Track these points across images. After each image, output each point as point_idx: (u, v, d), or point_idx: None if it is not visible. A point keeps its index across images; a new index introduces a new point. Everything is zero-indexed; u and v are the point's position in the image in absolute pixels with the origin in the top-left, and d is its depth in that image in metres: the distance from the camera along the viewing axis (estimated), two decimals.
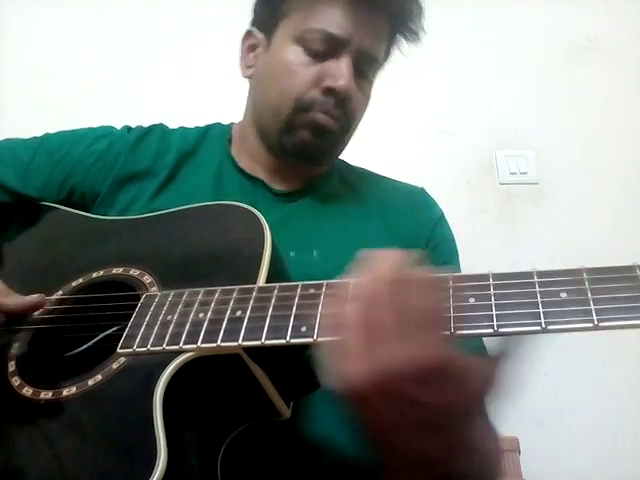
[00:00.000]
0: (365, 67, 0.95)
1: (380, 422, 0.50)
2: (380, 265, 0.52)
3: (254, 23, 1.02)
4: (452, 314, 0.50)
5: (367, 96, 0.99)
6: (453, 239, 1.03)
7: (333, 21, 0.90)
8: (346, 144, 1.01)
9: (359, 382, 0.49)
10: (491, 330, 0.48)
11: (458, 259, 1.01)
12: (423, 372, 0.47)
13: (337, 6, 0.91)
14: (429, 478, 0.51)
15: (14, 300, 0.72)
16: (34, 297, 0.73)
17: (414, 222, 0.99)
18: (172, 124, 1.07)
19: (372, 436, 0.51)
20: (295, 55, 0.92)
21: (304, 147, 0.93)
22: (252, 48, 1.01)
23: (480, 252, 1.61)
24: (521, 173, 1.83)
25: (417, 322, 0.48)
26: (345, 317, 0.52)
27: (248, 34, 1.02)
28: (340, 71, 0.90)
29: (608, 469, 1.51)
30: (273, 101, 0.94)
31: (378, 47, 0.96)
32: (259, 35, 0.99)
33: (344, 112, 0.92)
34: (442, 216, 1.04)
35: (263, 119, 0.98)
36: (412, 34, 1.01)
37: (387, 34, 0.98)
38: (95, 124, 1.05)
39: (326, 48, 0.91)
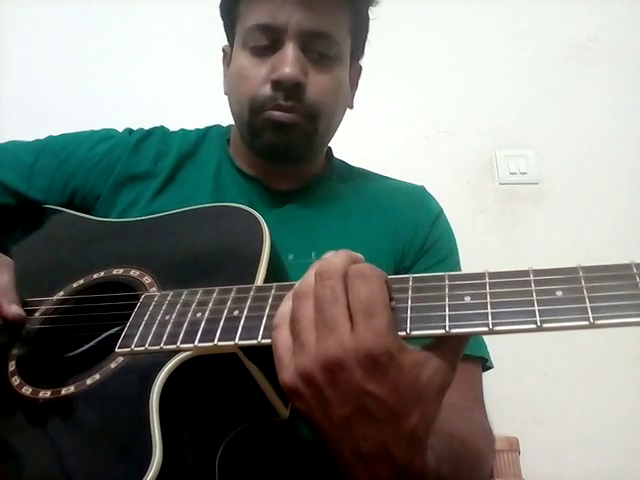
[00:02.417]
0: (319, 46, 0.90)
1: (332, 415, 0.49)
2: (325, 261, 0.52)
3: (227, 40, 1.02)
4: (447, 312, 0.50)
5: (334, 75, 0.93)
6: (452, 235, 1.03)
7: (264, 12, 0.88)
8: (329, 131, 0.98)
9: (309, 373, 0.49)
10: (486, 328, 0.48)
11: (457, 255, 1.01)
12: (369, 360, 0.47)
13: None
14: (391, 471, 0.50)
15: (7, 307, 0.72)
16: (14, 311, 0.72)
17: (413, 220, 0.99)
18: (173, 126, 1.07)
19: (326, 432, 0.51)
20: (244, 59, 0.91)
21: (273, 147, 0.91)
22: (228, 65, 1.00)
23: (480, 252, 1.61)
24: (521, 173, 1.83)
25: (361, 311, 0.48)
26: (291, 312, 0.53)
27: (224, 53, 1.03)
28: (283, 60, 0.87)
29: (608, 469, 1.51)
30: (236, 109, 0.94)
31: (325, 21, 0.89)
32: (229, 50, 0.99)
33: (299, 101, 0.88)
34: (441, 213, 1.04)
35: (238, 128, 0.98)
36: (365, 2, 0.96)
37: (341, 6, 0.92)
38: (95, 127, 1.05)
39: (268, 42, 0.89)
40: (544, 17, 1.99)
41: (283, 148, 0.91)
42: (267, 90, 0.88)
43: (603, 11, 2.00)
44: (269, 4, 0.88)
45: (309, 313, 0.51)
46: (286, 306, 0.54)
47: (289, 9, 0.87)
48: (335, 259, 0.52)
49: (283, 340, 0.52)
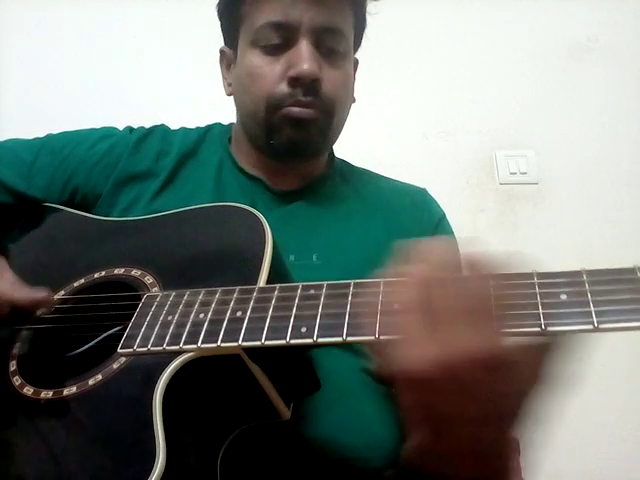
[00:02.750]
0: (329, 42, 0.91)
1: (439, 411, 0.49)
2: (438, 254, 0.51)
3: (224, 41, 1.01)
4: None
5: (344, 70, 0.95)
6: (455, 240, 1.03)
7: (276, 10, 0.88)
8: (341, 125, 0.98)
9: (427, 367, 0.47)
10: None
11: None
12: (495, 360, 0.46)
13: None
14: (486, 470, 0.51)
15: (24, 293, 0.72)
16: (43, 293, 0.72)
17: (416, 223, 0.99)
18: (173, 125, 1.07)
19: (437, 425, 0.50)
20: (256, 58, 0.91)
21: (292, 143, 0.91)
22: (229, 66, 1.00)
23: None
24: (521, 173, 1.84)
25: (488, 310, 0.47)
26: (412, 302, 0.50)
27: (221, 54, 1.02)
28: (299, 56, 0.87)
29: (608, 469, 1.51)
30: (250, 109, 0.93)
31: (335, 17, 0.91)
32: (229, 51, 0.99)
33: (317, 96, 0.89)
34: (444, 217, 1.04)
35: (249, 128, 0.97)
36: None
37: (346, 1, 0.93)
38: (95, 125, 1.05)
39: (280, 40, 0.89)
40: (544, 17, 1.99)
41: (301, 144, 0.92)
42: (284, 87, 0.88)
43: (603, 11, 2.00)
44: (280, 2, 0.88)
45: (451, 303, 0.49)
46: (412, 292, 0.51)
47: (301, 6, 0.87)
48: (477, 252, 0.51)
49: (414, 326, 0.50)
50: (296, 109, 0.88)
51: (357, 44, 1.02)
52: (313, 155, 0.97)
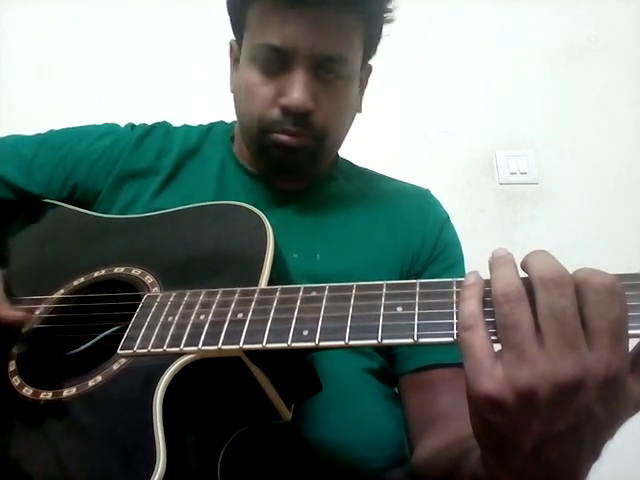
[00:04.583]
0: (329, 68, 0.87)
1: (535, 431, 0.45)
2: (545, 264, 0.47)
3: (233, 34, 0.98)
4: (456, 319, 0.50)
5: (345, 94, 0.91)
6: (459, 242, 1.03)
7: (275, 32, 0.84)
8: (336, 146, 0.98)
9: (531, 388, 0.43)
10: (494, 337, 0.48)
11: (463, 262, 1.01)
12: (608, 383, 0.43)
13: (275, 15, 0.84)
14: None
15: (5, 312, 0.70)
16: (21, 314, 0.71)
17: (420, 225, 0.98)
18: (175, 122, 1.07)
19: (516, 446, 0.47)
20: (253, 75, 0.88)
21: (280, 165, 0.91)
22: (236, 61, 0.97)
23: (480, 252, 1.60)
24: (521, 173, 1.83)
25: (609, 333, 0.44)
26: (500, 316, 0.46)
27: (230, 47, 1.00)
28: (291, 86, 0.84)
29: (608, 469, 1.51)
30: (244, 122, 0.93)
31: (337, 43, 0.86)
32: (236, 47, 0.97)
33: (306, 126, 0.87)
34: (448, 219, 1.04)
35: (244, 137, 0.96)
36: (380, 14, 0.92)
37: (354, 24, 0.88)
38: (97, 121, 1.05)
39: (277, 62, 0.86)
40: (544, 17, 1.99)
41: (290, 166, 0.91)
42: (275, 113, 0.87)
43: (603, 11, 2.00)
44: (279, 25, 0.84)
45: (528, 320, 0.45)
46: (474, 306, 0.48)
47: (300, 32, 0.83)
48: (554, 261, 0.47)
49: (482, 343, 0.46)
50: (284, 137, 0.87)
51: (371, 52, 0.98)
52: (301, 175, 0.96)
